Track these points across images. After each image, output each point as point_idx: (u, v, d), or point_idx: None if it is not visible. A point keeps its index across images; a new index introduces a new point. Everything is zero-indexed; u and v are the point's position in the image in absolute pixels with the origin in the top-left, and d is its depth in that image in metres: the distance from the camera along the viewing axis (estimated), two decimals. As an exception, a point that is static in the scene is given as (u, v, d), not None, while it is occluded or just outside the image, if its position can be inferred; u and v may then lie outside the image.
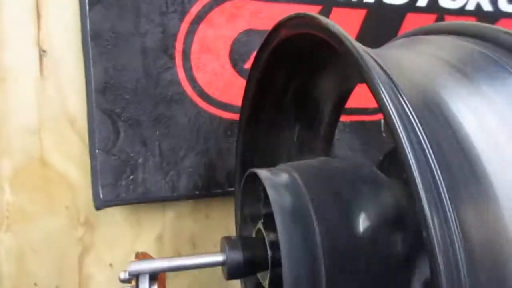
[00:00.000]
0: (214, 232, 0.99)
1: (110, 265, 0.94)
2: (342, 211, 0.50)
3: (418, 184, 0.33)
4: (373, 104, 1.01)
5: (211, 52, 0.88)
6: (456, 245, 0.33)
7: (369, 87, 0.40)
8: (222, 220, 0.99)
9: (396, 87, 0.39)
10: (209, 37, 0.87)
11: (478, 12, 1.08)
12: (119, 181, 0.83)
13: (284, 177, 0.54)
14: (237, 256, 0.55)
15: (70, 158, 0.87)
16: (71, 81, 0.84)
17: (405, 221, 0.50)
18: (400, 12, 0.99)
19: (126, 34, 0.81)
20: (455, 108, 0.41)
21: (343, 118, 0.98)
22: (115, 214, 0.91)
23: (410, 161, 0.33)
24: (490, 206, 0.35)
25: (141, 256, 0.60)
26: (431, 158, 0.35)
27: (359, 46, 0.41)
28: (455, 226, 0.33)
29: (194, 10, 0.86)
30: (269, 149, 0.82)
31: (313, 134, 0.82)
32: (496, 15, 1.09)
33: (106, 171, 0.82)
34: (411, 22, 1.00)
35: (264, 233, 0.56)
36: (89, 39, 0.79)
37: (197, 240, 0.98)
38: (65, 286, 0.91)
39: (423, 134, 0.36)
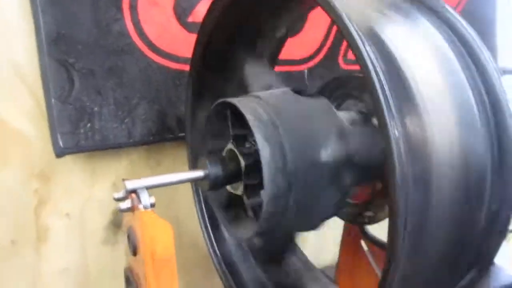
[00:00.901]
0: (165, 176, 1.07)
1: (67, 215, 0.97)
2: (308, 142, 0.63)
3: (381, 99, 0.47)
4: (299, 55, 1.17)
5: (157, 6, 0.93)
6: (401, 139, 0.48)
7: (339, 27, 0.52)
8: (172, 166, 1.07)
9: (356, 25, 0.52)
10: (154, -9, 0.93)
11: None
12: (78, 129, 0.86)
13: (254, 101, 0.65)
14: (217, 170, 0.66)
15: (21, 111, 0.87)
16: (17, 32, 0.83)
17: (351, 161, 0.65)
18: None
19: (74, -16, 0.83)
20: (386, 37, 0.57)
21: (276, 69, 1.12)
22: (71, 165, 0.94)
23: (376, 81, 0.47)
24: (414, 108, 0.51)
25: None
26: (383, 76, 0.49)
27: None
28: (399, 125, 0.49)
29: (139, -36, 0.90)
30: (218, 91, 0.92)
31: (257, 75, 0.93)
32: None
33: (63, 119, 0.84)
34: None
35: (236, 150, 0.67)
36: (36, -12, 0.80)
37: (150, 185, 1.05)
38: (22, 239, 0.92)
39: (379, 60, 0.50)
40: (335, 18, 0.51)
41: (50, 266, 0.97)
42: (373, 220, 0.82)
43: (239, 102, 0.64)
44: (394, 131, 0.48)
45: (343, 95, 0.83)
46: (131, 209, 0.60)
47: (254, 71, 0.82)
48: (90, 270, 1.02)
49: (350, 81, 0.83)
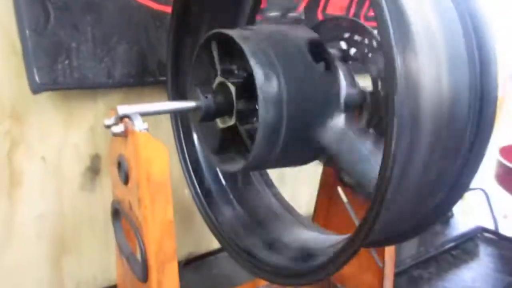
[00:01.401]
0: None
1: (43, 158, 0.93)
2: (298, 57, 0.64)
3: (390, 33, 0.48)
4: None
5: None
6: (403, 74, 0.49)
7: None
8: (151, 111, 1.05)
9: None
10: None
11: None
12: (55, 65, 0.82)
13: (246, 31, 0.65)
14: (209, 101, 0.65)
15: (-10, 46, 0.81)
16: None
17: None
18: None
19: None
20: None
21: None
22: (45, 105, 0.90)
23: (388, 20, 0.48)
24: (413, 47, 0.53)
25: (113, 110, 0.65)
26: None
27: None
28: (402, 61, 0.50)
29: None
30: (201, 34, 0.91)
31: (241, 18, 0.92)
32: None
33: (39, 53, 0.80)
34: None
35: (226, 81, 0.67)
36: None
37: (128, 131, 1.03)
38: (-6, 183, 0.88)
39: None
40: None
41: (24, 212, 0.93)
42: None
43: (228, 30, 0.64)
44: (399, 66, 0.49)
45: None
46: (124, 134, 0.59)
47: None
48: (66, 217, 0.99)
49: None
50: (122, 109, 0.59)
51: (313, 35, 0.70)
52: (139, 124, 0.58)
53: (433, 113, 0.54)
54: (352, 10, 1.35)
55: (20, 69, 0.83)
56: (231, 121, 0.67)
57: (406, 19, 0.56)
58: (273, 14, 0.77)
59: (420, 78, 0.53)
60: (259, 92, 0.59)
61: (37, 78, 0.80)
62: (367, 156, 0.67)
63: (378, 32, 0.52)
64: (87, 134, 0.97)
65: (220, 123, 0.70)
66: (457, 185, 0.58)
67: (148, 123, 0.59)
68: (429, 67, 0.55)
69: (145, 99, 1.03)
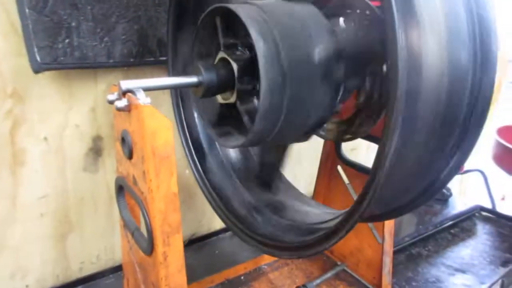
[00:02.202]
0: (145, 104, 1.05)
1: (45, 138, 0.93)
2: (302, 43, 0.64)
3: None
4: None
5: None
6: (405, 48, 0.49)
7: None
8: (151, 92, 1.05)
9: None
10: None
11: None
12: (56, 44, 0.82)
13: (247, 5, 0.65)
14: (211, 76, 0.66)
15: (-11, 24, 0.81)
16: None
17: (343, 56, 0.66)
18: None
19: None
20: None
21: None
22: (46, 85, 0.90)
23: None
24: (416, 22, 0.53)
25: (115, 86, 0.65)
26: None
27: None
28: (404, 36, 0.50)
29: None
30: (199, 12, 0.90)
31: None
32: None
33: (40, 32, 0.80)
34: None
35: (228, 57, 0.67)
36: None
37: (129, 111, 1.03)
38: (-3, 162, 0.89)
39: None
40: None
41: (28, 192, 0.94)
42: (355, 134, 0.85)
43: (232, 5, 0.64)
44: (401, 40, 0.49)
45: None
46: (128, 108, 0.59)
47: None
48: (70, 197, 1.00)
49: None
50: (125, 84, 0.60)
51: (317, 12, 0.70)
52: (143, 98, 0.58)
53: (434, 85, 0.54)
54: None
55: (21, 48, 0.83)
56: (232, 98, 0.68)
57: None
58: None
59: (422, 51, 0.54)
60: (260, 62, 0.60)
61: (38, 57, 0.80)
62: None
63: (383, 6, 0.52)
64: (89, 115, 0.97)
65: (220, 99, 0.70)
66: (454, 159, 0.59)
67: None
68: (431, 41, 0.56)
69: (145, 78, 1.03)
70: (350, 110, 0.83)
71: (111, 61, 0.91)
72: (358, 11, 0.72)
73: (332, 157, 1.10)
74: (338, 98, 0.72)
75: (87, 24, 0.86)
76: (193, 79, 0.66)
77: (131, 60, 0.94)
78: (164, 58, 0.98)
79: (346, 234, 0.59)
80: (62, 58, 0.83)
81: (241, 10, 0.63)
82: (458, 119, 0.56)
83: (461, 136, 0.59)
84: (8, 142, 0.89)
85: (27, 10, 0.78)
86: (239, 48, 0.70)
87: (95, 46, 0.87)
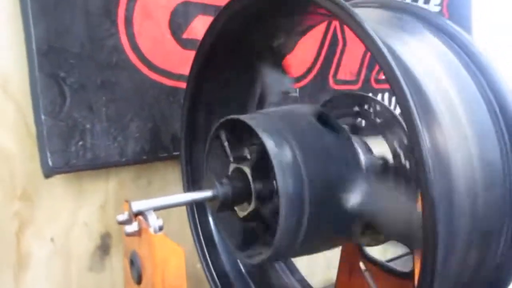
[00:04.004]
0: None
1: (52, 239, 0.90)
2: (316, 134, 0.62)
3: (412, 109, 0.46)
4: (291, 74, 1.16)
5: (152, 20, 0.91)
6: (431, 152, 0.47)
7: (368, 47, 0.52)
8: (164, 186, 1.03)
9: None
10: (150, 5, 0.90)
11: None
12: (69, 147, 0.81)
13: (270, 124, 0.63)
14: (227, 189, 0.63)
15: (4, 127, 0.81)
16: (5, 44, 0.78)
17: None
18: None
19: (68, -4, 0.80)
20: (401, 51, 0.57)
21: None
22: (55, 186, 0.88)
23: (409, 100, 0.46)
24: (437, 122, 0.51)
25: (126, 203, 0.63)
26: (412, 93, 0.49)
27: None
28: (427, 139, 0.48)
29: (135, -23, 0.88)
30: (217, 105, 0.90)
31: (253, 94, 0.92)
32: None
33: (54, 137, 0.79)
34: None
35: (247, 171, 0.64)
36: (28, -2, 0.76)
37: (140, 206, 1.00)
38: (0, 267, 0.85)
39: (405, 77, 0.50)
40: (364, 38, 0.50)
41: (30, 296, 0.89)
42: (376, 241, 0.80)
43: (251, 119, 0.63)
44: (426, 143, 0.47)
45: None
46: (138, 233, 0.56)
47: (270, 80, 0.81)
48: (74, 300, 0.95)
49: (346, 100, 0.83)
50: (136, 205, 0.57)
51: (319, 108, 0.70)
52: (153, 221, 0.55)
53: (467, 189, 0.51)
54: (362, 75, 1.35)
55: (34, 151, 0.82)
56: (251, 206, 0.64)
57: (423, 91, 0.55)
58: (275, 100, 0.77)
59: (450, 153, 0.52)
60: (273, 161, 0.57)
61: (50, 162, 0.79)
62: (407, 206, 0.63)
63: (399, 107, 0.50)
64: (98, 212, 0.94)
65: (239, 211, 0.67)
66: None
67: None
68: (457, 139, 0.54)
69: (159, 174, 1.01)
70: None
71: (123, 159, 0.89)
72: (366, 107, 0.72)
73: (353, 251, 1.03)
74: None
75: (101, 125, 0.85)
76: (207, 194, 0.63)
77: (144, 157, 0.92)
78: (177, 153, 0.96)
79: None
80: (74, 161, 0.82)
81: (242, 116, 0.62)
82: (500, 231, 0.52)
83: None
84: (14, 244, 0.85)
85: (42, 117, 0.78)
86: (249, 156, 0.68)
87: (108, 146, 0.87)
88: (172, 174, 1.03)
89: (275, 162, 0.57)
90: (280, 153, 0.57)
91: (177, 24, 0.95)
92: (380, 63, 0.48)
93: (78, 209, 0.92)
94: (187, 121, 0.92)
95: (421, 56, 0.58)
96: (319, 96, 1.23)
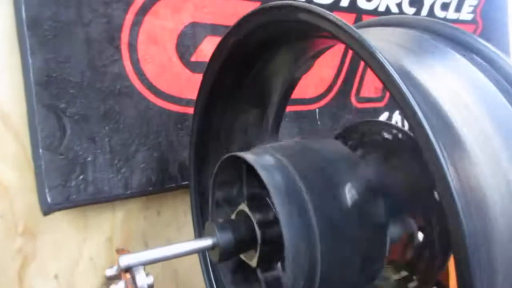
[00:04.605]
0: (166, 229, 0.97)
1: (56, 276, 0.86)
2: (330, 186, 0.55)
3: (435, 146, 0.38)
4: (309, 95, 1.09)
5: (158, 44, 0.86)
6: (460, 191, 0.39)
7: (373, 69, 0.44)
8: (174, 217, 0.98)
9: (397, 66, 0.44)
10: (156, 29, 0.86)
11: (387, 13, 1.23)
12: (68, 182, 0.77)
13: (269, 158, 0.57)
14: (228, 237, 0.56)
15: (5, 160, 0.78)
16: (2, 75, 0.75)
17: (380, 190, 0.57)
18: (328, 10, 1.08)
19: (68, 23, 0.76)
20: (423, 78, 0.49)
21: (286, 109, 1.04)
22: (59, 219, 0.84)
23: (425, 124, 0.38)
24: (465, 155, 0.43)
25: (122, 252, 0.57)
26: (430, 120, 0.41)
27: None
28: (455, 176, 0.40)
29: (139, 1, 0.84)
30: (223, 136, 0.85)
31: (265, 120, 0.86)
32: (401, 16, 1.25)
33: (53, 172, 0.75)
34: (337, 19, 1.10)
35: (250, 213, 0.58)
36: (25, 28, 0.72)
37: (148, 238, 0.95)
38: (2, 306, 0.81)
39: (423, 107, 0.42)
40: (373, 63, 0.42)
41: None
42: (423, 283, 0.70)
43: (257, 159, 0.56)
44: (454, 183, 0.38)
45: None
46: (126, 292, 0.50)
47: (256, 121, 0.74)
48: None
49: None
50: (124, 260, 0.51)
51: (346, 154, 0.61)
52: (141, 281, 0.49)
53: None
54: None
55: (35, 184, 0.78)
56: (253, 261, 0.57)
57: (447, 121, 0.47)
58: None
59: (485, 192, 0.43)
60: (286, 251, 0.50)
61: (48, 199, 0.75)
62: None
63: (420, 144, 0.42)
64: (105, 246, 0.90)
65: (247, 260, 0.60)
66: None
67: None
68: (492, 178, 0.45)
69: (168, 204, 0.96)
70: (408, 250, 0.70)
71: (128, 192, 0.84)
72: (385, 135, 0.64)
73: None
74: (387, 243, 0.60)
75: (104, 157, 0.81)
76: (207, 242, 0.57)
77: (150, 188, 0.87)
78: (186, 183, 0.91)
79: None
80: (74, 196, 0.77)
81: (253, 158, 0.55)
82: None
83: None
84: (16, 283, 0.82)
85: (41, 151, 0.74)
86: (265, 197, 0.61)
87: (111, 179, 0.82)
88: (182, 203, 0.98)
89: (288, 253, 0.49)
90: (297, 242, 0.50)
91: (185, 46, 0.90)
92: (391, 91, 0.41)
93: (83, 243, 0.88)
94: (195, 149, 0.87)
95: (447, 82, 0.50)
96: (341, 116, 1.15)
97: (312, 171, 0.55)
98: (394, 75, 0.39)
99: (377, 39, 0.60)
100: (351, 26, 0.44)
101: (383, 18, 0.67)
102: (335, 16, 0.47)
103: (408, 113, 0.39)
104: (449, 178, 0.38)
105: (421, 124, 0.38)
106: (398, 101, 0.40)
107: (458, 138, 0.45)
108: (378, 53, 0.41)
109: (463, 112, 0.47)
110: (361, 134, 0.70)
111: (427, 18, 0.62)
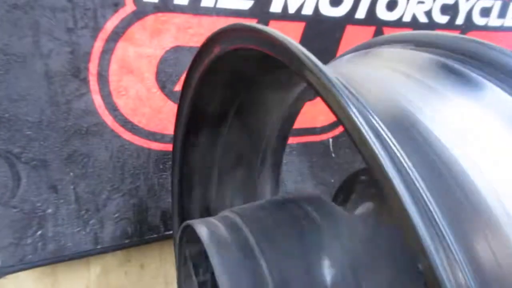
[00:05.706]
0: (152, 284, 0.84)
1: None
2: (302, 262, 0.40)
3: (416, 223, 0.23)
4: (320, 123, 0.94)
5: (133, 74, 0.74)
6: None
7: (334, 111, 0.31)
8: (160, 270, 0.85)
9: (366, 109, 0.30)
10: (130, 57, 0.74)
11: (414, 24, 1.06)
12: (23, 240, 0.66)
13: (227, 231, 0.43)
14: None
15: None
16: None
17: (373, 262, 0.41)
18: (339, 24, 0.93)
19: (23, 56, 0.66)
20: (428, 123, 0.33)
21: (289, 140, 0.89)
22: (23, 280, 0.73)
23: (400, 192, 0.24)
24: (491, 229, 0.27)
25: None
26: (419, 184, 0.26)
27: (322, 66, 0.31)
28: (460, 260, 0.25)
29: (110, 25, 0.72)
30: (216, 170, 0.71)
31: (260, 161, 0.72)
32: (431, 26, 1.08)
33: (4, 229, 0.65)
34: (352, 34, 0.95)
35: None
36: (-28, 64, 0.63)
37: (131, 296, 0.82)
38: None
39: (404, 157, 0.28)
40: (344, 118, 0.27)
41: None
42: None
43: (210, 235, 0.41)
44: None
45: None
46: None
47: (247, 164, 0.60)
48: None
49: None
50: None
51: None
52: None
53: None
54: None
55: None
56: None
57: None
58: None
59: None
60: None
61: (-2, 261, 0.64)
62: None
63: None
64: (77, 307, 0.78)
65: None
66: None
67: None
68: None
69: (151, 254, 0.83)
70: None
71: (99, 247, 0.72)
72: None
73: None
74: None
75: (68, 208, 0.70)
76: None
77: (126, 241, 0.75)
78: (170, 233, 0.78)
79: None
80: (30, 256, 0.66)
81: (207, 237, 0.41)
82: None
83: None
84: None
85: (-11, 205, 0.63)
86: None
87: (77, 233, 0.70)
88: (170, 252, 0.85)
89: None
90: None
91: (167, 75, 0.77)
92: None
93: (52, 305, 0.76)
94: (178, 193, 0.73)
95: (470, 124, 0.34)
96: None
97: (281, 247, 0.40)
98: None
99: (376, 66, 0.45)
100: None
101: (400, 35, 0.50)
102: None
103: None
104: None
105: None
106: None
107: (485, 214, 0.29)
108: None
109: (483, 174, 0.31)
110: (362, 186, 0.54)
111: (455, 35, 0.45)
